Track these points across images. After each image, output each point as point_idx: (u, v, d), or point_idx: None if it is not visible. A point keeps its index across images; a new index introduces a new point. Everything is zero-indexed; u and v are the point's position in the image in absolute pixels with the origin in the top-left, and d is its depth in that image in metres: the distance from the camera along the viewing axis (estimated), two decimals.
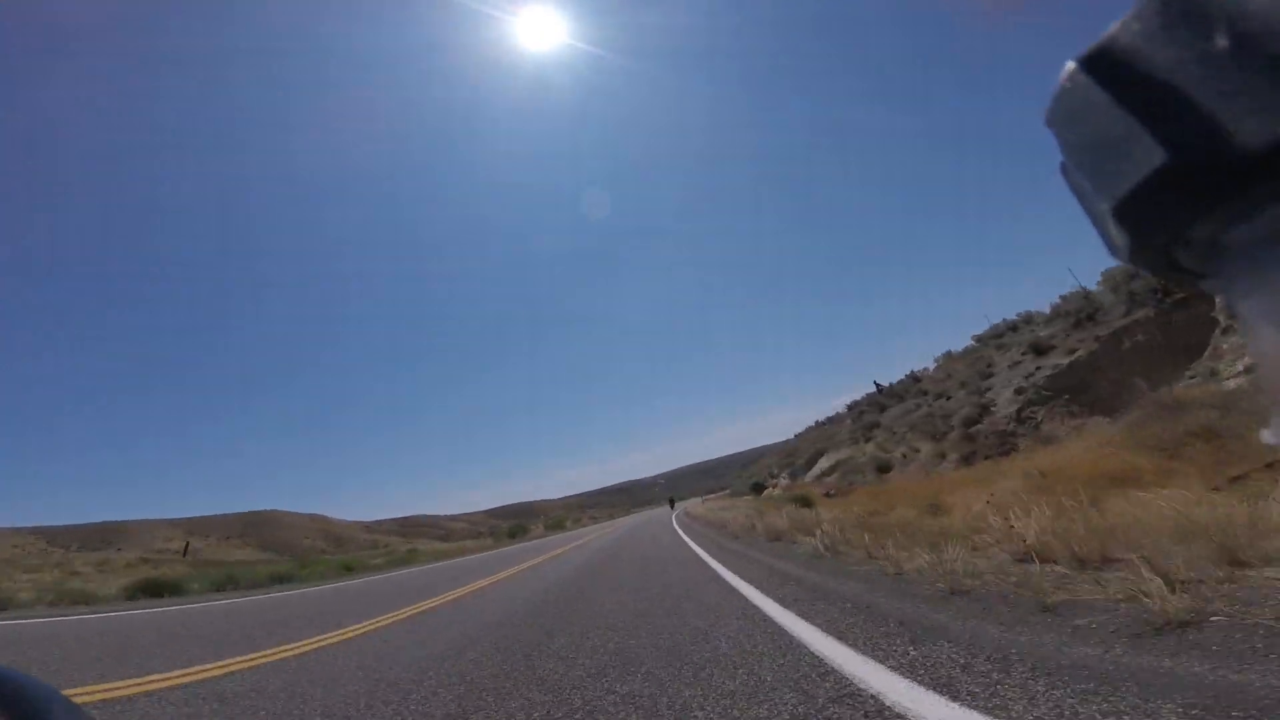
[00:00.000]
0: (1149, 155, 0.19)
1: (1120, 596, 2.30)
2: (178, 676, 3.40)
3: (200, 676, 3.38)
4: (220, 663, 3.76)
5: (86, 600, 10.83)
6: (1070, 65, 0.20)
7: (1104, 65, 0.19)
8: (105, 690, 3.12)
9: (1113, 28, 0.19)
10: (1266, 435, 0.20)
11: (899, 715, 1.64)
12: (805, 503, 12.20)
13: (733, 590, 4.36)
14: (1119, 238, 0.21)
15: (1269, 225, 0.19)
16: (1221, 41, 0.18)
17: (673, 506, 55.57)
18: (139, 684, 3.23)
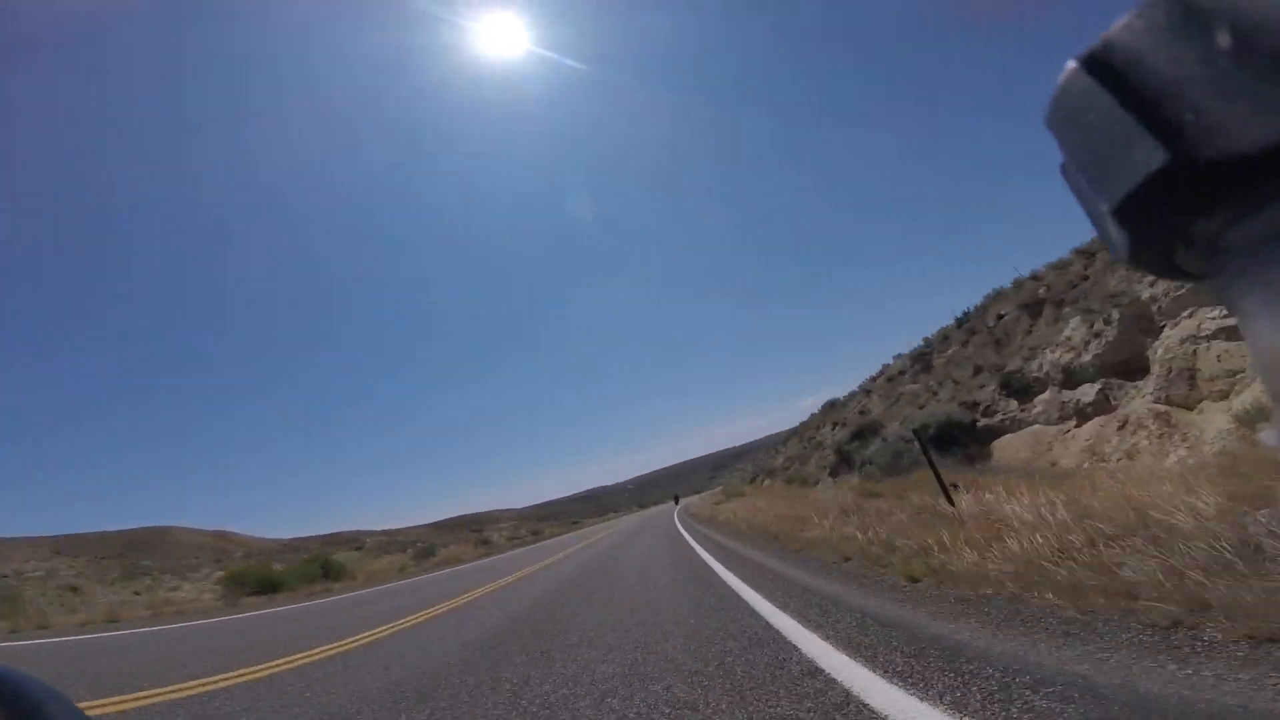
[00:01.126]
0: (1149, 155, 0.19)
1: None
2: None
3: None
4: None
5: None
6: (1071, 65, 0.20)
7: (1104, 65, 0.19)
8: None
9: (1113, 28, 0.19)
10: (1267, 436, 0.20)
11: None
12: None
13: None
14: (1119, 238, 0.21)
15: (1269, 225, 0.19)
16: (1222, 41, 0.18)
17: (677, 503, 54.73)
18: None
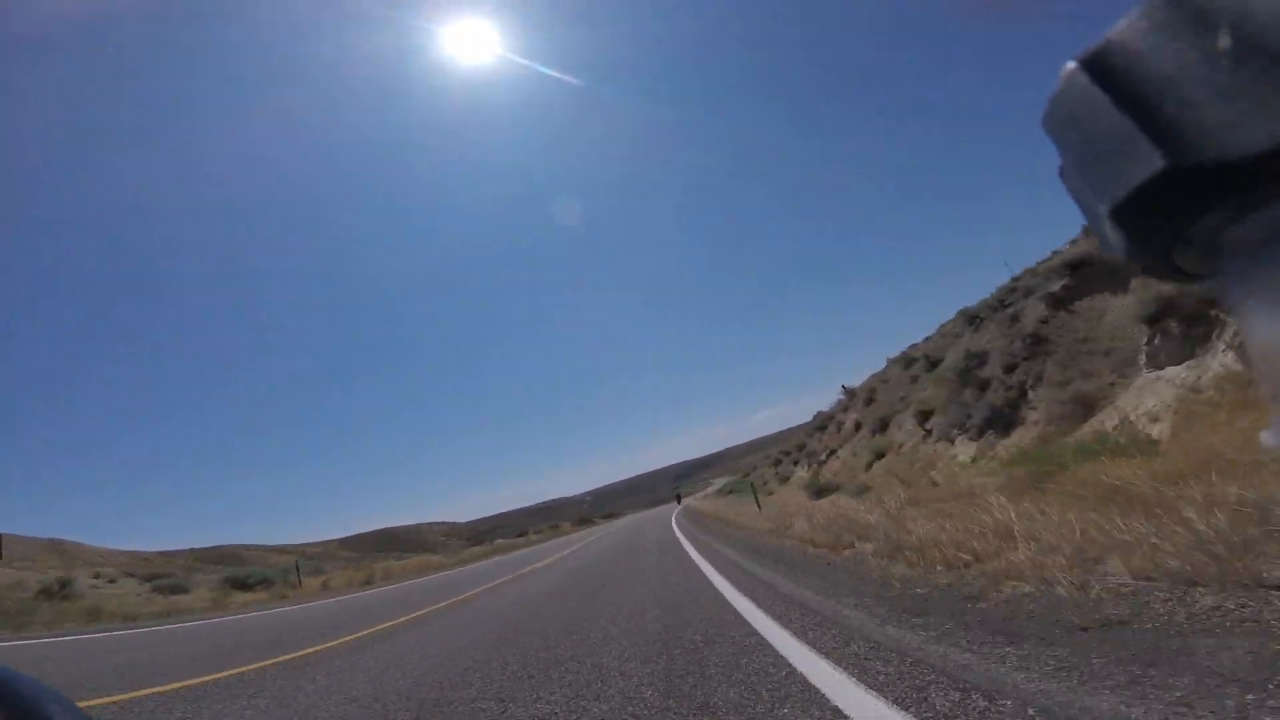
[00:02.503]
0: (1149, 156, 0.19)
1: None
2: None
3: None
4: None
5: None
6: (1070, 66, 0.20)
7: (1104, 66, 0.19)
8: None
9: (1113, 28, 0.19)
10: (1267, 436, 0.20)
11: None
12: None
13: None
14: (1118, 239, 0.21)
15: (1269, 225, 0.19)
16: (1222, 42, 0.18)
17: (679, 502, 52.66)
18: None
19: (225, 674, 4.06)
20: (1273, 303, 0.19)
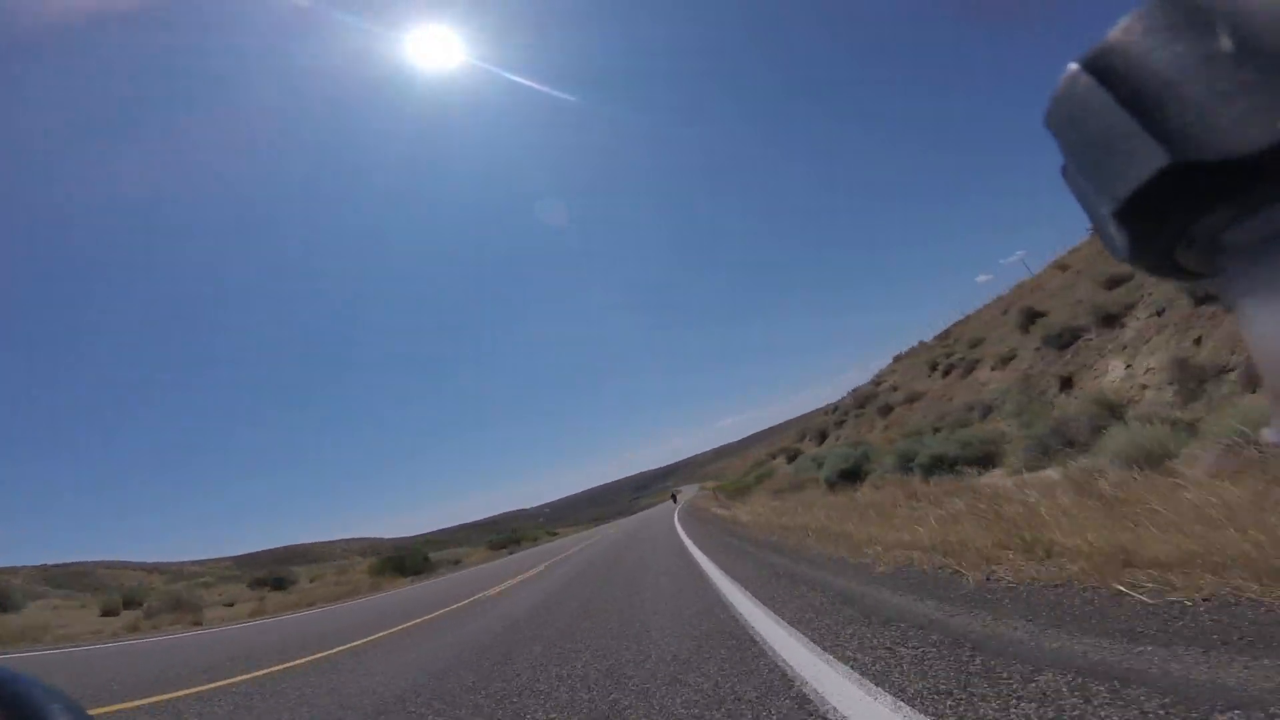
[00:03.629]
0: (1150, 156, 0.19)
1: None
2: None
3: None
4: None
5: None
6: (1072, 66, 0.20)
7: (1106, 67, 0.19)
8: None
9: (1115, 29, 0.19)
10: (1268, 434, 0.20)
11: None
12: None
13: None
14: (1120, 238, 0.21)
15: (1269, 225, 0.19)
16: (1223, 42, 0.18)
17: (675, 501, 49.64)
18: None
19: None
20: (1273, 302, 0.19)
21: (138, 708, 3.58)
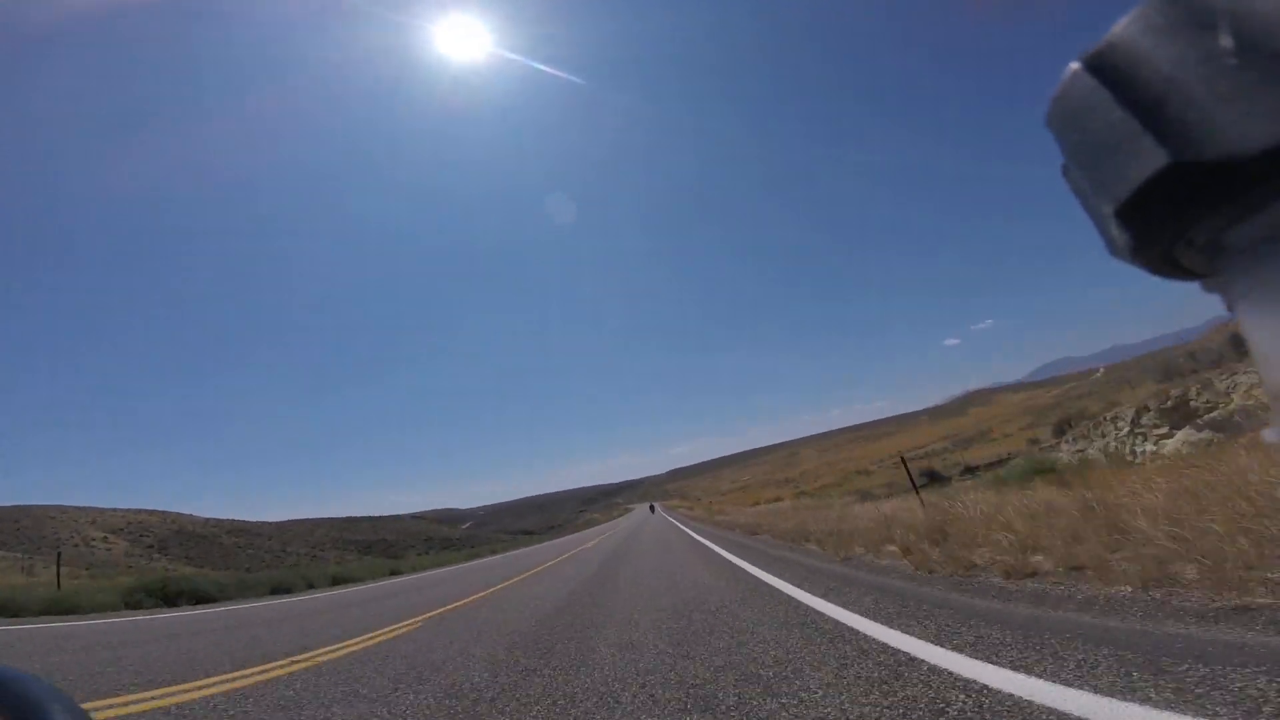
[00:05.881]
0: (1151, 156, 0.19)
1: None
2: None
3: None
4: None
5: None
6: (1073, 66, 0.20)
7: (1107, 66, 0.20)
8: None
9: (1116, 28, 0.20)
10: (1268, 435, 0.20)
11: None
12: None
13: None
14: (1121, 238, 0.21)
15: (1269, 225, 0.19)
16: (1224, 42, 0.19)
17: (653, 511, 50.41)
18: None
19: None
20: (1273, 302, 0.19)
21: None
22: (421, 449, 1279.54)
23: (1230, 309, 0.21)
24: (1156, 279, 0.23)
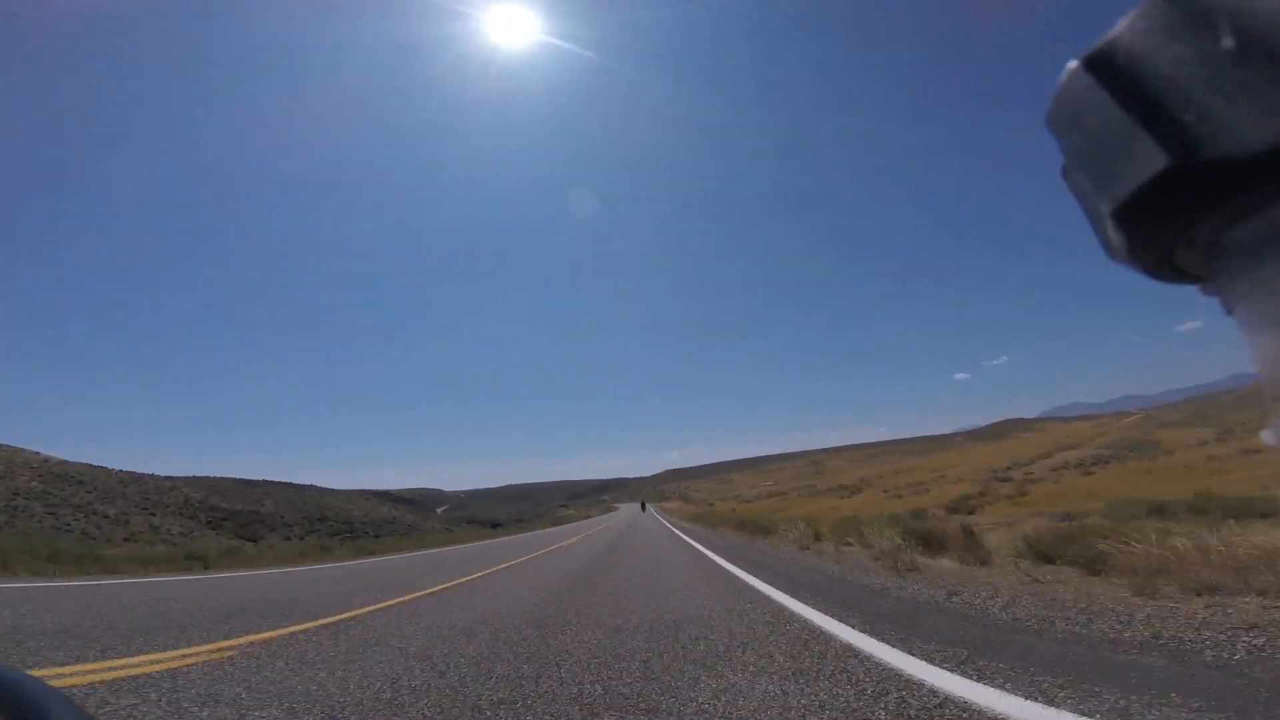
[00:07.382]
0: (1151, 156, 0.19)
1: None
2: None
3: None
4: None
5: None
6: (1072, 65, 0.20)
7: (1106, 66, 0.20)
8: None
9: (1115, 28, 0.19)
10: (1267, 436, 0.20)
11: None
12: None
13: None
14: (1119, 239, 0.21)
15: (1269, 225, 0.19)
16: (1224, 42, 0.18)
17: (644, 509, 50.54)
18: None
19: None
20: (1273, 303, 0.19)
21: None
22: (421, 428, 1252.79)
23: (1229, 311, 0.20)
24: (1155, 280, 0.22)
